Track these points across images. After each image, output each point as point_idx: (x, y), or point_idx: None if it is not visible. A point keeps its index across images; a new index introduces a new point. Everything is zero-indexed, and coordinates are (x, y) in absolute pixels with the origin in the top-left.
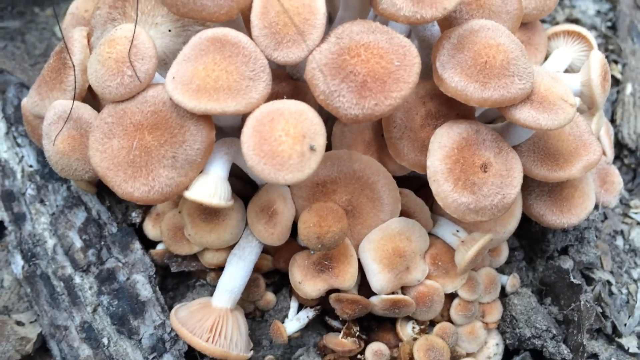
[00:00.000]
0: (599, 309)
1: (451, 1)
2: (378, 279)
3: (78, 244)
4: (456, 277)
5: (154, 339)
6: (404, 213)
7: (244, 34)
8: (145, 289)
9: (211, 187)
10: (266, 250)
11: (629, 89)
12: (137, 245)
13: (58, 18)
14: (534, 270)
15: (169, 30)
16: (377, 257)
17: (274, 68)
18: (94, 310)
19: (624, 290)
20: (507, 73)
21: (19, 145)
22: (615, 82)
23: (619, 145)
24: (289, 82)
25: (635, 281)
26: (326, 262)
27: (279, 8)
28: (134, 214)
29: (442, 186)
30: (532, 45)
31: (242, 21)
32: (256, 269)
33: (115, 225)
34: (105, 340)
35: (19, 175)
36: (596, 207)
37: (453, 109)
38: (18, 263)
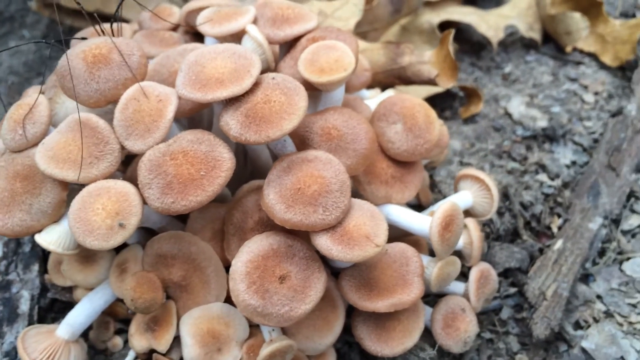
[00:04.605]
0: None
1: (275, 132)
2: (189, 351)
3: (0, 253)
4: None
5: (11, 347)
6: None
7: (105, 121)
8: (24, 305)
9: (55, 236)
10: None
11: (558, 244)
12: (36, 267)
13: None
14: None
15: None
16: (191, 331)
17: None
18: None
19: None
20: (313, 203)
21: None
22: (552, 235)
23: (524, 297)
24: None
25: None
26: (152, 324)
27: (136, 107)
28: None
29: (237, 285)
30: (403, 182)
31: None
32: (112, 314)
33: (30, 246)
34: None
35: None
36: (432, 346)
37: None
38: None
